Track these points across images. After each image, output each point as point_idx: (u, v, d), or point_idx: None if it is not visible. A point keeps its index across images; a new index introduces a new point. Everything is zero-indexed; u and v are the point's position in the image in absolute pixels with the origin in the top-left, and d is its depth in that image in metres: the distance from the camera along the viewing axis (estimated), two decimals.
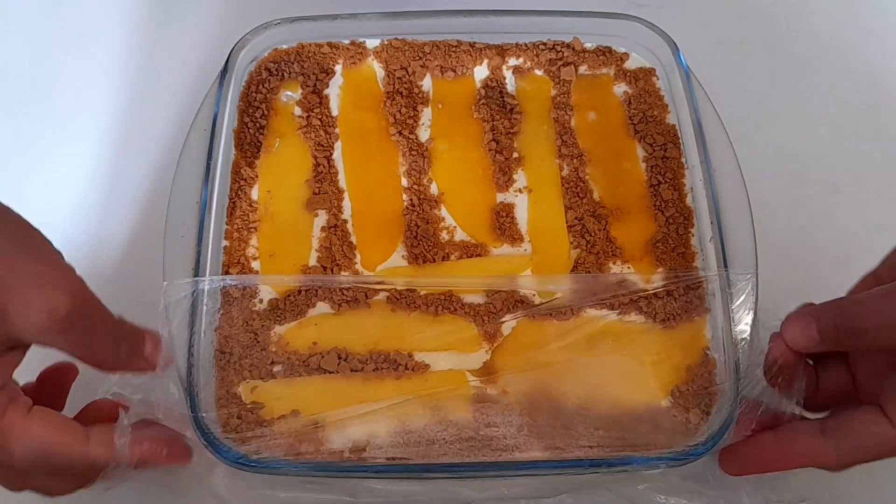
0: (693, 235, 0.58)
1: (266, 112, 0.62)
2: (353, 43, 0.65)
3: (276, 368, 0.53)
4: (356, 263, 0.57)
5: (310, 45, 0.65)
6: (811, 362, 0.49)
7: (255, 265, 0.57)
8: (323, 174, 0.60)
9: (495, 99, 0.64)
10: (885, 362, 0.46)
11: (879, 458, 0.45)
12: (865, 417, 0.45)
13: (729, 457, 0.49)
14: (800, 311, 0.47)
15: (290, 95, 0.63)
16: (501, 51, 0.65)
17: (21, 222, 0.45)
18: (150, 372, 0.48)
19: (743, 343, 0.51)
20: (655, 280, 0.56)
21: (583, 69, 0.65)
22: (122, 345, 0.46)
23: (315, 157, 0.61)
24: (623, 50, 0.65)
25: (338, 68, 0.65)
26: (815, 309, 0.47)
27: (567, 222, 0.59)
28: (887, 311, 0.43)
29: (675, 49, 0.62)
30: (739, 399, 0.49)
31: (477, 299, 0.56)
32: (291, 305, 0.55)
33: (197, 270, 0.53)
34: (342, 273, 0.57)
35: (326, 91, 0.64)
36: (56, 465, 0.45)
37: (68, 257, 0.60)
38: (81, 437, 0.45)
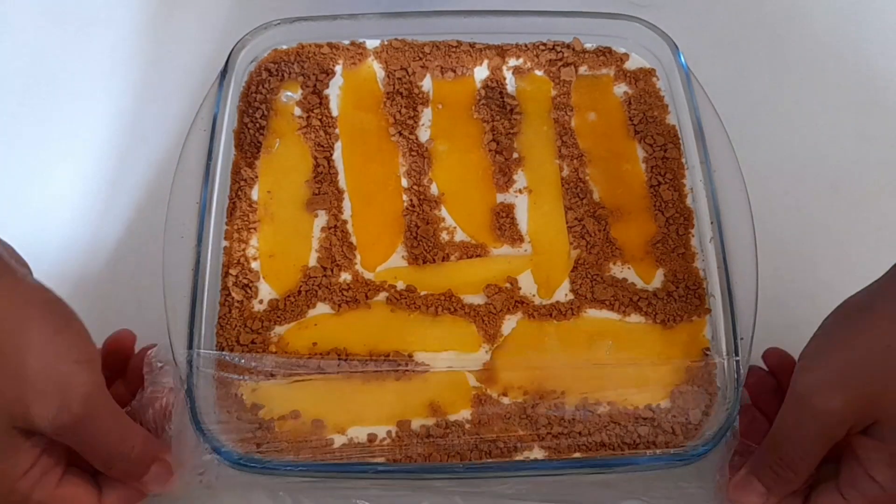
0: (693, 236, 0.58)
1: (266, 112, 0.62)
2: (353, 43, 0.65)
3: (276, 369, 0.53)
4: (356, 264, 0.57)
5: (310, 45, 0.65)
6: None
7: (254, 265, 0.57)
8: (323, 174, 0.60)
9: (495, 99, 0.64)
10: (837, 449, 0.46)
11: None
12: (828, 491, 0.46)
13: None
14: (738, 476, 0.48)
15: (290, 96, 0.63)
16: (501, 51, 0.65)
17: (64, 311, 0.45)
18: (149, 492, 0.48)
19: (743, 343, 0.51)
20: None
21: (583, 70, 0.65)
22: (129, 458, 0.46)
23: (315, 158, 0.61)
24: (623, 50, 0.65)
25: (338, 69, 0.65)
26: (749, 464, 0.48)
27: (567, 223, 0.59)
28: (791, 432, 0.45)
29: (675, 49, 0.62)
30: (739, 398, 0.49)
31: (477, 300, 0.56)
32: (291, 306, 0.55)
33: (197, 270, 0.53)
34: (342, 274, 0.57)
35: (326, 91, 0.64)
36: None
37: (68, 258, 0.60)
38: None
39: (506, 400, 0.52)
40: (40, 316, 0.43)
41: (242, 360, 0.52)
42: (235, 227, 0.58)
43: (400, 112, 0.63)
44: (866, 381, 0.43)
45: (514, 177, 0.61)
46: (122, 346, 0.51)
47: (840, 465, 0.46)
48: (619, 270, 0.57)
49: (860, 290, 0.46)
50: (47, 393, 0.42)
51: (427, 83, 0.64)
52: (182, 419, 0.49)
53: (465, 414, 0.52)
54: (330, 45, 0.65)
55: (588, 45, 0.65)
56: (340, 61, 0.65)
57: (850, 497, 0.45)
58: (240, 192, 0.59)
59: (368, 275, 0.57)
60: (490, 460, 0.50)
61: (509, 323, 0.55)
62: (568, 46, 0.65)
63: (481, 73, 0.65)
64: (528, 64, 0.65)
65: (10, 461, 0.43)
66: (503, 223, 0.59)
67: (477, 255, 0.58)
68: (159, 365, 0.50)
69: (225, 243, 0.57)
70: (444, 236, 0.59)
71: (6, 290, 0.43)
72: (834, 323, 0.46)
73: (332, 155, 0.61)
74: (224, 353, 0.52)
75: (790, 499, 0.47)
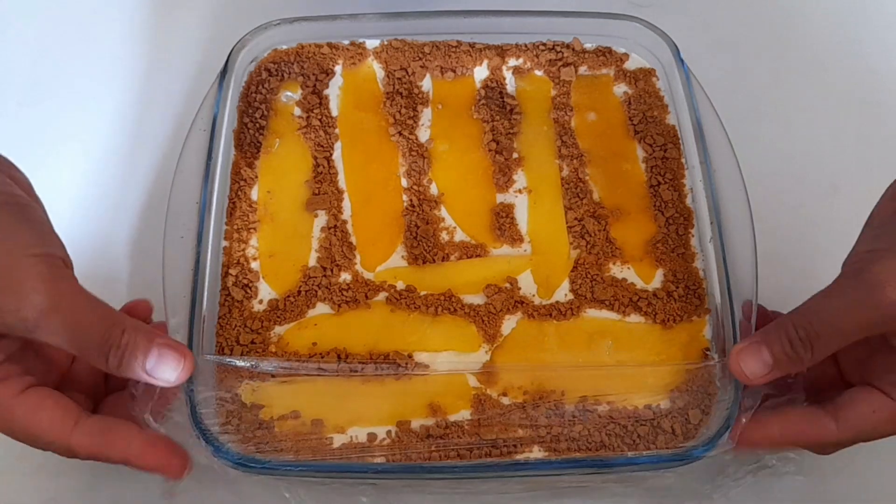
0: (693, 236, 0.58)
1: (266, 112, 0.62)
2: (352, 43, 0.65)
3: (276, 369, 0.53)
4: (356, 264, 0.57)
5: (309, 45, 0.65)
6: None
7: (254, 265, 0.57)
8: (323, 175, 0.60)
9: (495, 99, 0.64)
10: (866, 348, 0.47)
11: (878, 432, 0.46)
12: (862, 394, 0.46)
13: (736, 434, 0.49)
14: (746, 340, 0.47)
15: (290, 96, 0.63)
16: (501, 51, 0.65)
17: (19, 206, 0.44)
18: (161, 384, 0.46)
19: None
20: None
21: (583, 70, 0.65)
22: (120, 344, 0.44)
23: (315, 158, 0.61)
24: (623, 50, 0.65)
25: (337, 69, 0.65)
26: (760, 333, 0.47)
27: (567, 223, 0.59)
28: (832, 311, 0.45)
29: (675, 49, 0.62)
30: (739, 398, 0.49)
31: (477, 299, 0.56)
32: (291, 306, 0.55)
33: (197, 270, 0.53)
34: (342, 274, 0.57)
35: (326, 91, 0.64)
36: (37, 445, 0.45)
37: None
38: (68, 425, 0.45)
39: (506, 400, 0.52)
40: None
41: (243, 363, 0.52)
42: (235, 227, 0.58)
43: (400, 112, 0.63)
44: None
45: (514, 177, 0.61)
46: (137, 316, 0.49)
47: (870, 369, 0.46)
48: (618, 270, 0.57)
49: None
50: (5, 287, 0.41)
51: (427, 83, 0.64)
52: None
53: (464, 414, 0.52)
54: (330, 45, 0.65)
55: (588, 45, 0.65)
56: (340, 61, 0.65)
57: None
58: (240, 192, 0.59)
59: (368, 275, 0.57)
60: (490, 460, 0.50)
61: (509, 323, 0.55)
62: (568, 46, 0.65)
63: (481, 73, 0.65)
64: (528, 64, 0.65)
65: None
66: (503, 223, 0.59)
67: (477, 255, 0.58)
68: None
69: (225, 243, 0.57)
70: (444, 236, 0.59)
71: None
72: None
73: (331, 155, 0.61)
74: (224, 357, 0.52)
75: (792, 409, 0.47)
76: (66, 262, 0.45)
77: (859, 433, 0.46)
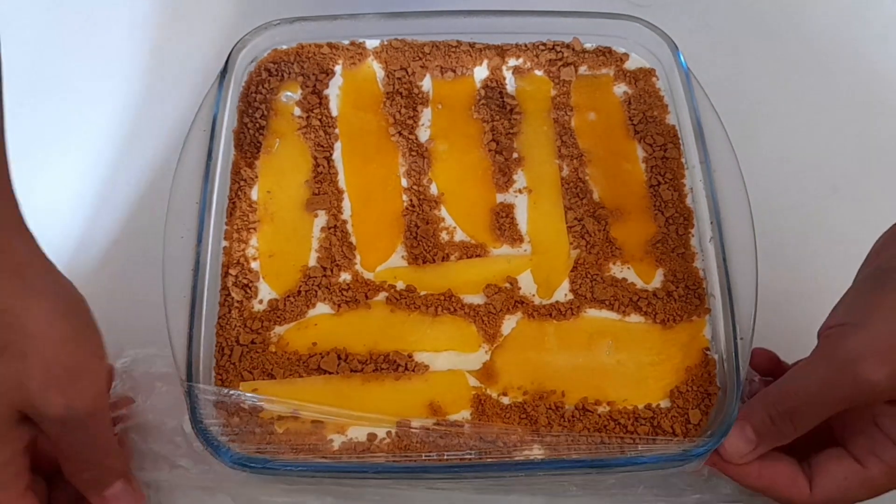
0: (693, 236, 0.58)
1: (266, 112, 0.62)
2: (352, 43, 0.65)
3: (276, 369, 0.53)
4: (356, 264, 0.57)
5: (309, 45, 0.65)
6: None
7: (254, 265, 0.57)
8: (323, 174, 0.60)
9: (495, 99, 0.64)
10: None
11: (849, 498, 0.46)
12: (835, 459, 0.46)
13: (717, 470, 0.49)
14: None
15: (290, 96, 0.63)
16: (501, 51, 0.65)
17: (83, 310, 0.45)
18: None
19: (742, 343, 0.51)
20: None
21: (583, 69, 0.65)
22: (102, 467, 0.45)
23: (315, 158, 0.61)
24: (623, 50, 0.65)
25: (337, 69, 0.65)
26: (743, 410, 0.48)
27: (567, 223, 0.59)
28: (808, 387, 0.45)
29: (675, 49, 0.62)
30: (739, 398, 0.49)
31: (477, 299, 0.56)
32: (291, 306, 0.55)
33: (197, 270, 0.53)
34: (342, 274, 0.57)
35: (326, 91, 0.64)
36: None
37: (68, 258, 0.60)
38: None
39: (506, 400, 0.52)
40: (50, 302, 0.42)
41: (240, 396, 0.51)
42: (235, 227, 0.58)
43: (400, 112, 0.63)
44: None
45: (514, 177, 0.61)
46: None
47: (846, 432, 0.46)
48: (618, 270, 0.57)
49: (890, 241, 0.45)
50: (62, 379, 0.41)
51: (427, 83, 0.64)
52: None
53: (465, 414, 0.52)
54: (330, 45, 0.65)
55: (588, 45, 0.65)
56: (340, 61, 0.65)
57: (870, 463, 0.45)
58: (240, 192, 0.59)
59: (368, 275, 0.57)
60: (490, 460, 0.50)
61: (509, 323, 0.55)
62: (568, 46, 0.65)
63: (481, 73, 0.65)
64: (528, 64, 0.65)
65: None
66: (503, 223, 0.59)
67: (477, 255, 0.58)
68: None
69: (225, 243, 0.57)
70: (444, 236, 0.59)
71: (10, 266, 0.42)
72: (873, 282, 0.45)
73: (331, 155, 0.61)
74: (223, 389, 0.51)
75: (780, 461, 0.47)
76: (107, 364, 0.46)
77: (830, 500, 0.46)
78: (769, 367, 0.51)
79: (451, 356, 0.54)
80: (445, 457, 0.50)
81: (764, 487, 0.47)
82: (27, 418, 0.43)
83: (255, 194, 0.59)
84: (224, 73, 0.61)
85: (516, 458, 0.50)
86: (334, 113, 0.63)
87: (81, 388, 0.42)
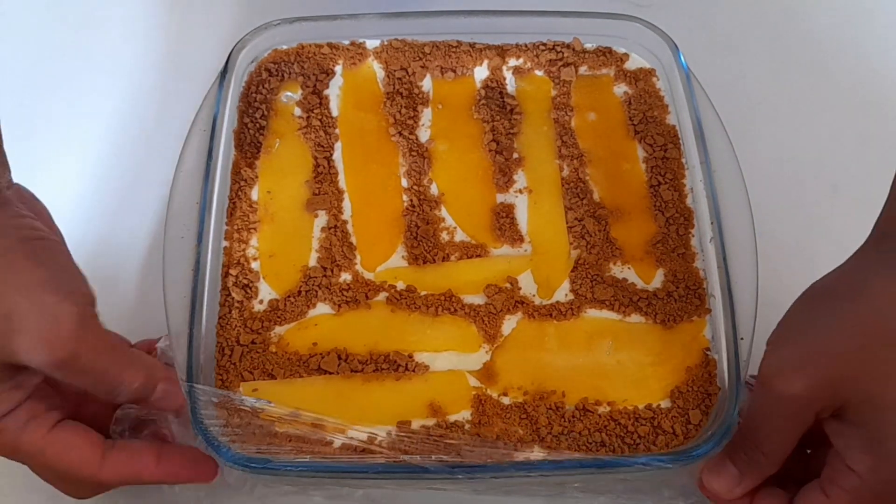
0: (693, 236, 0.58)
1: (266, 112, 0.62)
2: (352, 43, 0.65)
3: (277, 369, 0.53)
4: (356, 264, 0.57)
5: (310, 45, 0.65)
6: None
7: (254, 265, 0.57)
8: (323, 175, 0.60)
9: (495, 99, 0.64)
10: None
11: None
12: (809, 495, 0.45)
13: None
14: (712, 459, 0.47)
15: (290, 96, 0.63)
16: (501, 51, 0.65)
17: (48, 244, 0.44)
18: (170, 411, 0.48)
19: (743, 343, 0.51)
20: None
21: (583, 70, 0.65)
22: (137, 379, 0.45)
23: (315, 158, 0.61)
24: (623, 50, 0.65)
25: (338, 69, 0.65)
26: (725, 447, 0.47)
27: (567, 223, 0.59)
28: (754, 415, 0.45)
29: (675, 49, 0.62)
30: (739, 398, 0.49)
31: (477, 300, 0.56)
32: (291, 306, 0.55)
33: (197, 270, 0.53)
34: (342, 274, 0.57)
35: (326, 92, 0.64)
36: (68, 482, 0.46)
37: None
38: (96, 459, 0.45)
39: (506, 400, 0.52)
40: (21, 248, 0.42)
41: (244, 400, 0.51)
42: (235, 227, 0.58)
43: (400, 112, 0.63)
44: (828, 363, 0.42)
45: (514, 177, 0.61)
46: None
47: (819, 461, 0.45)
48: (619, 270, 0.57)
49: (823, 276, 0.45)
50: (34, 327, 0.40)
51: (427, 83, 0.64)
52: None
53: (465, 414, 0.52)
54: (330, 45, 0.65)
55: (588, 45, 0.65)
56: (340, 61, 0.65)
57: (833, 494, 0.43)
58: (240, 193, 0.59)
59: (368, 275, 0.57)
60: (490, 460, 0.50)
61: (509, 323, 0.55)
62: (568, 46, 0.65)
63: (481, 73, 0.65)
64: (528, 64, 0.65)
65: None
66: (503, 223, 0.59)
67: (477, 255, 0.58)
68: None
69: (225, 243, 0.57)
70: (444, 236, 0.59)
71: None
72: (798, 308, 0.45)
73: (332, 155, 0.61)
74: (223, 391, 0.51)
75: (770, 496, 0.47)
76: (89, 298, 0.44)
77: None
78: None
79: (451, 356, 0.54)
80: (445, 457, 0.50)
81: None
82: (24, 367, 0.42)
83: (255, 194, 0.59)
84: (224, 73, 0.61)
85: (516, 458, 0.50)
86: (334, 113, 0.63)
87: (61, 334, 0.41)
